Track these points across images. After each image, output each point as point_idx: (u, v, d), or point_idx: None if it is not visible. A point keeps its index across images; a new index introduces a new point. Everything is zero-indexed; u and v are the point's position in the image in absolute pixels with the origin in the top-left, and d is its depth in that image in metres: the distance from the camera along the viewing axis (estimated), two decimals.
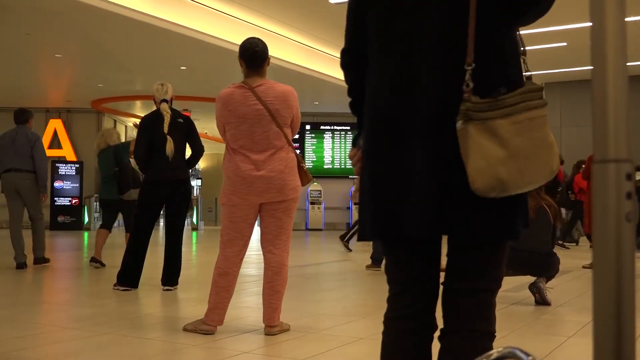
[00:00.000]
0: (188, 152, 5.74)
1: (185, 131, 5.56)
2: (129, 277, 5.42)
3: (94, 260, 7.32)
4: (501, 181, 1.38)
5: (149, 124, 5.48)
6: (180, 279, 5.60)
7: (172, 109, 5.54)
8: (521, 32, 1.58)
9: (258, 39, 3.81)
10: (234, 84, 3.71)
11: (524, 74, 1.52)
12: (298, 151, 16.47)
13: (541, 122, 1.43)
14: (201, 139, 5.87)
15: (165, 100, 5.52)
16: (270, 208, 3.65)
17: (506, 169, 1.38)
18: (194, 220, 19.47)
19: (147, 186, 5.53)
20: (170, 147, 5.33)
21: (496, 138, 1.39)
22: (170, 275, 5.49)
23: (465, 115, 1.40)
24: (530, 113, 1.42)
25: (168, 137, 5.35)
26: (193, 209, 18.35)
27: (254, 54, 3.70)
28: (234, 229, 3.67)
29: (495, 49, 1.49)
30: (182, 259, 5.68)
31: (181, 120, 5.56)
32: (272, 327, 3.68)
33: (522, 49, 1.55)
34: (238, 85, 3.69)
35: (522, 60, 1.53)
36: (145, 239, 5.50)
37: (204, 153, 5.95)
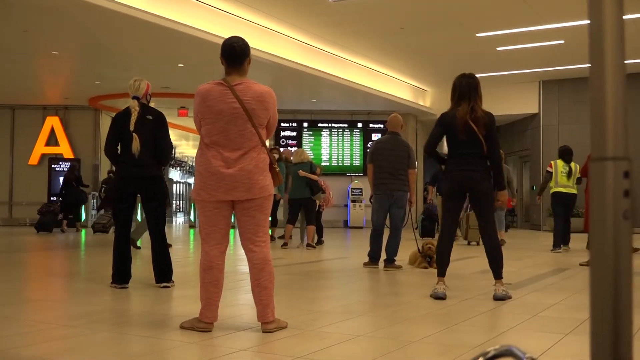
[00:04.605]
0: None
1: (154, 128, 5.52)
2: (119, 274, 5.44)
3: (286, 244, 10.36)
4: None
5: (119, 121, 5.53)
6: (176, 277, 5.59)
7: (143, 105, 5.55)
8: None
9: (239, 37, 3.81)
10: (213, 80, 3.72)
11: None
12: (294, 148, 16.58)
13: None
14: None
15: (136, 97, 5.53)
16: (243, 207, 3.67)
17: None
18: (192, 217, 19.44)
19: (117, 181, 5.60)
20: (135, 145, 5.36)
21: None
22: (162, 272, 5.50)
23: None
24: None
25: (134, 134, 5.37)
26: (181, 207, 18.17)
27: (233, 52, 3.71)
28: (208, 223, 3.70)
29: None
30: (180, 257, 5.67)
31: (150, 117, 5.53)
32: (268, 323, 3.67)
33: None
34: (217, 82, 3.70)
35: None
36: (125, 233, 5.53)
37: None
